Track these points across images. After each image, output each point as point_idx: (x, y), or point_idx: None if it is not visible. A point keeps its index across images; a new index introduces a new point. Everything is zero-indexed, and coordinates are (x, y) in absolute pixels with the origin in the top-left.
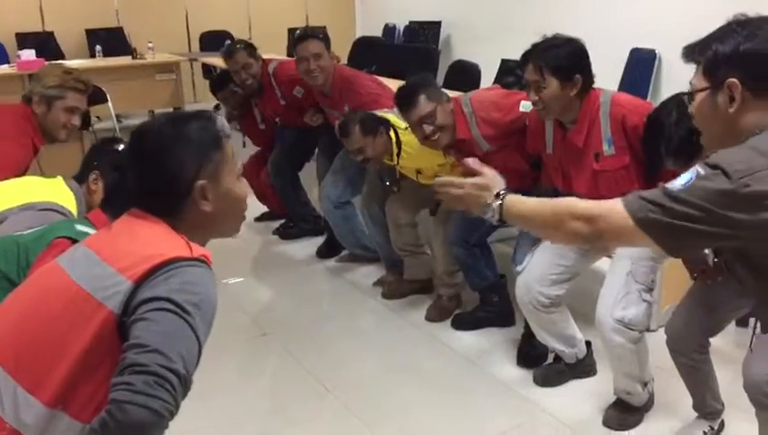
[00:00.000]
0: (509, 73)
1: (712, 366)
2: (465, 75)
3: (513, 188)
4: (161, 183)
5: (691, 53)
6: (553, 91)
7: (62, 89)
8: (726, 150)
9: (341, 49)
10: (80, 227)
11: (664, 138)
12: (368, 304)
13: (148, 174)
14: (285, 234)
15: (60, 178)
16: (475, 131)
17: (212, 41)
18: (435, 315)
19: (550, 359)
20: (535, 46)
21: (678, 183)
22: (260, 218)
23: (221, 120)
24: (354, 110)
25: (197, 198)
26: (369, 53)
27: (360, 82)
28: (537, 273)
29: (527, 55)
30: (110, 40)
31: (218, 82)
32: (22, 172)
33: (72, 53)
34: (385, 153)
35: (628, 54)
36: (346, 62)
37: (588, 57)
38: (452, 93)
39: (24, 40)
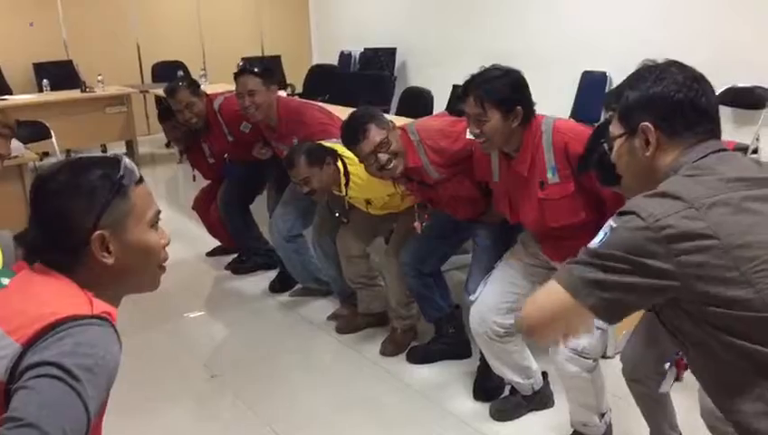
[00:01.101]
0: (460, 99)
1: (669, 394)
2: (416, 101)
3: (466, 217)
4: (55, 234)
5: (608, 101)
6: (496, 124)
7: None
8: (637, 198)
9: (299, 77)
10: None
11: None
12: (322, 339)
13: (42, 224)
14: (237, 269)
15: None
16: (424, 159)
17: (165, 71)
18: (390, 349)
19: (506, 392)
20: (474, 78)
21: (596, 240)
22: (212, 253)
23: (130, 164)
24: (302, 141)
25: (96, 250)
26: (324, 80)
27: (308, 113)
28: (491, 302)
29: (467, 88)
30: (58, 73)
31: (163, 113)
32: None
33: (18, 88)
34: (332, 184)
35: (579, 77)
36: (301, 91)
37: (527, 87)
38: (403, 120)
39: None
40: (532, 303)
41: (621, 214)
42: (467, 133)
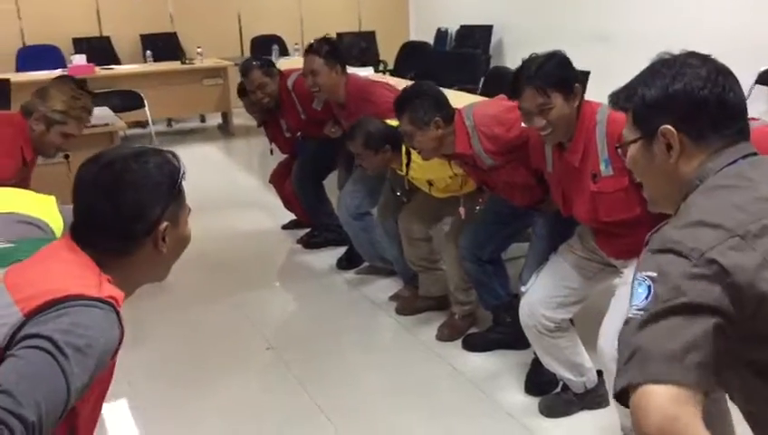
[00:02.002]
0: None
1: (727, 408)
2: (502, 82)
3: (524, 204)
4: (123, 222)
5: (616, 100)
6: (560, 108)
7: (67, 116)
8: (668, 231)
9: (393, 54)
10: None
11: None
12: (380, 319)
13: (109, 208)
14: (309, 243)
15: (53, 198)
16: (477, 146)
17: (262, 45)
18: (446, 335)
19: (559, 388)
20: (523, 72)
21: (640, 301)
22: (286, 226)
23: (181, 160)
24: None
25: (158, 240)
26: (415, 58)
27: (376, 92)
28: (541, 295)
29: (520, 83)
30: (163, 45)
31: (243, 89)
32: (4, 182)
33: (126, 58)
34: (383, 167)
35: None
36: (392, 67)
37: (572, 65)
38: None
39: (80, 45)
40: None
41: (655, 253)
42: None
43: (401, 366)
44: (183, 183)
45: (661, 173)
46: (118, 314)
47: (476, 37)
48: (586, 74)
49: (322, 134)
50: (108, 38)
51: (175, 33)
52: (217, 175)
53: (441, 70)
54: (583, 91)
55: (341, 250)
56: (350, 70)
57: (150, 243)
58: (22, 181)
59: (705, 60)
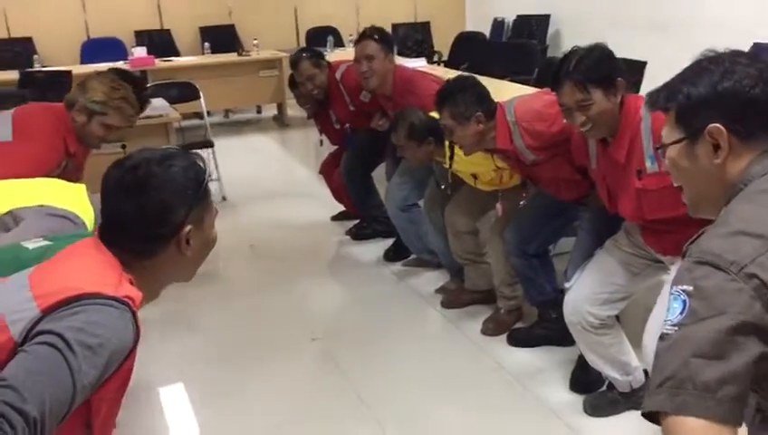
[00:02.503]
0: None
1: None
2: None
3: (570, 199)
4: (148, 224)
5: (656, 101)
6: (601, 104)
7: (106, 106)
8: (706, 241)
9: (448, 45)
10: None
11: None
12: (426, 312)
13: (133, 210)
14: (358, 235)
15: (83, 187)
16: (518, 142)
17: (317, 36)
18: (491, 329)
19: (604, 386)
20: (563, 67)
21: (671, 317)
22: (336, 217)
23: (205, 162)
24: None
25: (182, 242)
26: (469, 48)
27: (422, 84)
28: (585, 291)
29: (559, 79)
30: (221, 37)
31: (294, 81)
32: (46, 173)
33: (185, 50)
34: (426, 160)
35: (748, 50)
36: (446, 58)
37: (616, 58)
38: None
39: (141, 37)
40: None
41: (691, 265)
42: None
43: (445, 360)
44: (209, 186)
45: (704, 176)
46: (134, 314)
47: (533, 27)
48: (642, 64)
49: (371, 126)
50: (168, 31)
51: (233, 26)
52: (272, 165)
53: (495, 61)
54: (630, 84)
55: (389, 242)
56: (403, 61)
57: (174, 246)
58: (70, 172)
59: (754, 59)
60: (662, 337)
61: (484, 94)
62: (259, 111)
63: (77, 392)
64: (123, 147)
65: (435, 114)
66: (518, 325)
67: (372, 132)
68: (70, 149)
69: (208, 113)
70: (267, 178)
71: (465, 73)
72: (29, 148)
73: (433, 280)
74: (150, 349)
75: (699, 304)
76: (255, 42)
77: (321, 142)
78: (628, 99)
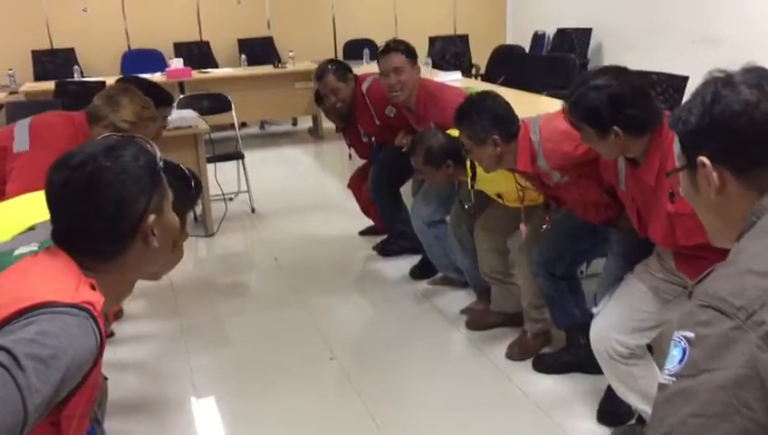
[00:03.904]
0: None
1: None
2: None
3: (598, 221)
4: (108, 224)
5: (672, 124)
6: (593, 141)
7: (134, 126)
8: (713, 280)
9: (486, 59)
10: None
11: None
12: (449, 333)
13: (88, 211)
14: (384, 251)
15: None
16: (542, 163)
17: (354, 49)
18: (516, 353)
19: (634, 419)
20: (570, 95)
21: (670, 366)
22: (364, 232)
23: (155, 147)
24: (438, 126)
25: (148, 234)
26: (507, 62)
27: (445, 97)
28: (614, 318)
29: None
30: (259, 49)
31: (319, 95)
32: None
33: (223, 62)
34: (446, 183)
35: None
36: (483, 71)
37: (634, 99)
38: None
39: (180, 49)
40: None
41: (695, 308)
42: None
43: (465, 384)
44: (161, 169)
45: (708, 208)
46: (95, 320)
47: (574, 41)
48: (684, 79)
49: (395, 143)
50: (207, 43)
51: (271, 38)
52: (303, 178)
53: (532, 74)
54: (640, 125)
55: (416, 259)
56: (438, 74)
57: (140, 239)
58: None
59: (763, 78)
60: (660, 387)
61: (503, 116)
62: (294, 124)
63: (29, 414)
64: None
65: (455, 131)
66: (545, 350)
67: (400, 147)
68: None
69: (244, 124)
70: (298, 190)
71: (491, 90)
72: (46, 157)
73: (459, 300)
74: (168, 363)
75: (700, 354)
76: (291, 54)
77: (350, 156)
78: (665, 118)
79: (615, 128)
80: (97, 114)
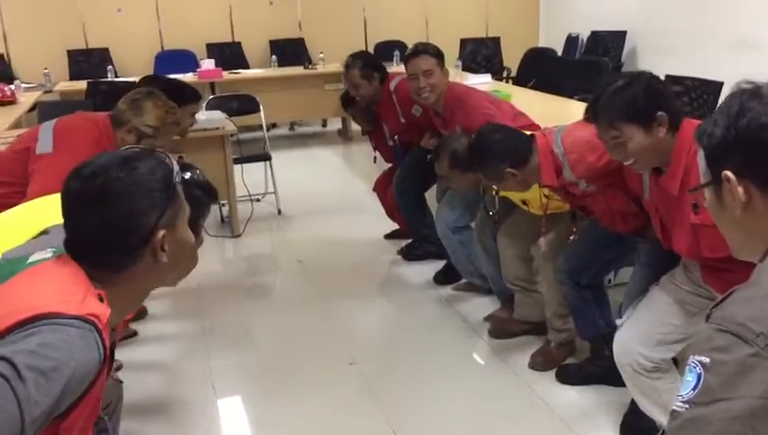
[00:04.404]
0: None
1: None
2: None
3: (625, 231)
4: (117, 235)
5: (697, 137)
6: (639, 141)
7: (158, 131)
8: (732, 303)
9: (517, 61)
10: None
11: None
12: (471, 340)
13: (98, 222)
14: (409, 255)
15: None
16: (567, 174)
17: (385, 50)
18: (539, 363)
19: (658, 434)
20: (597, 98)
21: (683, 393)
22: (389, 236)
23: (174, 161)
24: (464, 130)
25: (157, 249)
26: (538, 65)
27: (471, 102)
28: (638, 330)
29: (593, 112)
30: (290, 50)
31: (347, 98)
32: None
33: (255, 63)
34: (471, 188)
35: None
36: (514, 74)
37: (663, 88)
38: None
39: (212, 50)
40: None
41: (713, 332)
42: None
43: (485, 393)
44: (179, 185)
45: (734, 223)
46: (100, 333)
47: (608, 44)
48: (718, 85)
49: (421, 144)
50: (239, 43)
51: (302, 39)
52: (331, 180)
53: (564, 78)
54: (676, 116)
55: (441, 264)
56: (467, 77)
57: (149, 254)
58: None
59: None
60: (673, 414)
61: (506, 146)
62: (324, 125)
63: (26, 426)
64: (180, 157)
65: None
66: (569, 361)
67: (426, 151)
68: None
69: (274, 125)
70: (325, 192)
71: (489, 124)
72: (69, 160)
73: (482, 307)
74: (189, 363)
75: (715, 381)
76: (321, 55)
77: (375, 160)
78: (684, 125)
79: (660, 114)
80: (121, 119)
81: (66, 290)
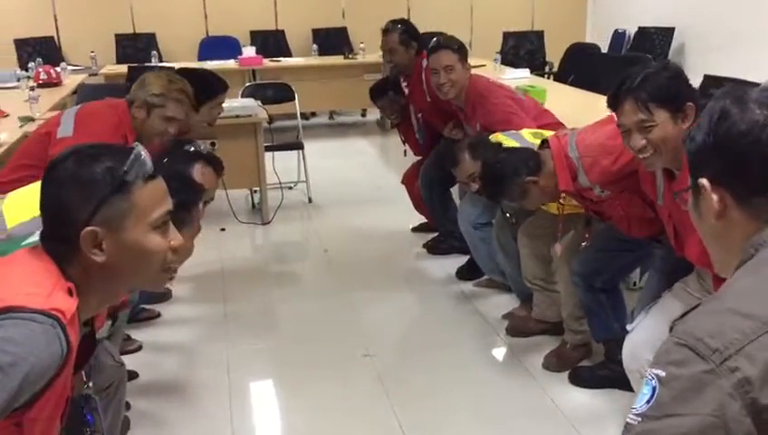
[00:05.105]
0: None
1: None
2: None
3: (641, 236)
4: (51, 223)
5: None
6: (665, 128)
7: (164, 98)
8: (694, 316)
9: (560, 56)
10: None
11: None
12: (488, 338)
13: (43, 211)
14: (434, 249)
15: None
16: (582, 179)
17: (428, 41)
18: (553, 364)
19: None
20: (626, 81)
21: (637, 405)
22: (417, 229)
23: (141, 159)
24: (484, 127)
25: (85, 246)
26: (579, 61)
27: (493, 99)
28: (646, 336)
29: (619, 95)
30: (332, 39)
31: (376, 90)
32: None
33: (297, 51)
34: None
35: None
36: (556, 69)
37: (689, 82)
38: None
39: (255, 37)
40: None
41: (667, 352)
42: None
43: (498, 392)
44: (133, 184)
45: (711, 234)
46: (63, 327)
47: (654, 40)
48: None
49: (444, 133)
50: (282, 32)
51: (344, 28)
52: (365, 170)
53: (604, 74)
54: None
55: (464, 259)
56: (504, 71)
57: (85, 249)
58: None
59: None
60: (626, 426)
61: (516, 159)
62: (363, 115)
63: None
64: (213, 144)
65: (500, 135)
66: (584, 363)
67: (452, 143)
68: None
69: (314, 114)
70: (357, 182)
71: (488, 156)
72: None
73: (502, 304)
74: (206, 348)
75: (668, 396)
76: (362, 45)
77: (405, 153)
78: None
79: (689, 104)
80: (132, 98)
81: (34, 283)
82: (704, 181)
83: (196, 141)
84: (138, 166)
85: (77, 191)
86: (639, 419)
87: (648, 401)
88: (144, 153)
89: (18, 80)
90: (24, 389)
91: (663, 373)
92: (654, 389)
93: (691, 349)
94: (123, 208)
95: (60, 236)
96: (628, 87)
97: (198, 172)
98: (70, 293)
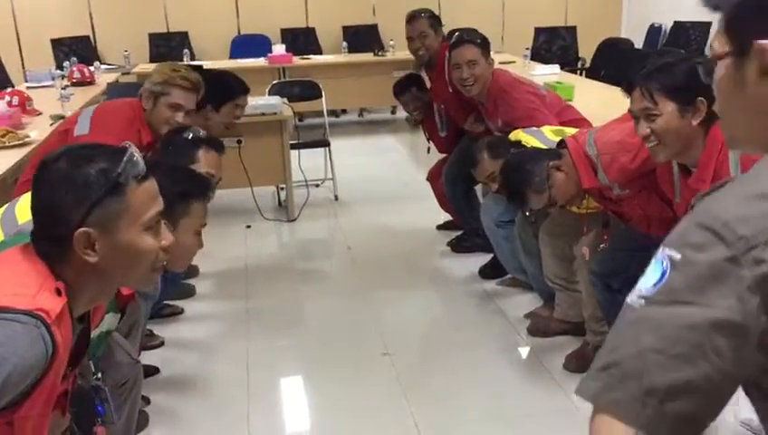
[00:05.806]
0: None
1: None
2: None
3: (662, 235)
4: (44, 223)
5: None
6: (668, 118)
7: (167, 85)
8: (719, 197)
9: (593, 51)
10: None
11: None
12: (509, 337)
13: (35, 211)
14: (457, 247)
15: None
16: (601, 176)
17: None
18: (573, 365)
19: None
20: (642, 68)
21: (643, 286)
22: (441, 227)
23: (134, 160)
24: (505, 123)
25: (78, 246)
26: (612, 56)
27: (516, 96)
28: None
29: (632, 83)
30: (362, 37)
31: (399, 85)
32: None
33: (327, 49)
34: None
35: None
36: (588, 65)
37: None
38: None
39: (286, 35)
40: None
41: (685, 233)
42: None
43: (517, 392)
44: (126, 185)
45: (750, 104)
46: (48, 327)
47: (690, 35)
48: None
49: (463, 119)
50: (313, 29)
51: (375, 26)
52: (393, 167)
53: (635, 70)
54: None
55: (488, 257)
56: (533, 67)
57: (78, 250)
58: None
59: None
60: (625, 308)
61: (535, 149)
62: (393, 112)
63: None
64: (239, 142)
65: (519, 136)
66: None
67: (475, 139)
68: (143, 141)
69: (344, 111)
70: (385, 179)
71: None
72: (102, 141)
73: (525, 303)
74: (227, 344)
75: (680, 282)
76: (391, 42)
77: (429, 150)
78: (716, 126)
79: (700, 99)
80: (141, 92)
81: (20, 284)
82: (764, 43)
83: (193, 127)
84: (131, 167)
85: (70, 192)
86: (643, 301)
87: (656, 284)
88: (137, 154)
89: (53, 79)
90: (6, 390)
91: (678, 256)
92: (664, 272)
93: (715, 233)
94: (117, 210)
95: (52, 236)
96: (642, 75)
97: (203, 157)
98: (58, 292)
